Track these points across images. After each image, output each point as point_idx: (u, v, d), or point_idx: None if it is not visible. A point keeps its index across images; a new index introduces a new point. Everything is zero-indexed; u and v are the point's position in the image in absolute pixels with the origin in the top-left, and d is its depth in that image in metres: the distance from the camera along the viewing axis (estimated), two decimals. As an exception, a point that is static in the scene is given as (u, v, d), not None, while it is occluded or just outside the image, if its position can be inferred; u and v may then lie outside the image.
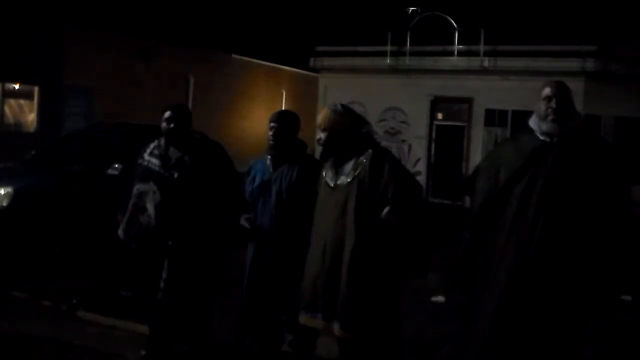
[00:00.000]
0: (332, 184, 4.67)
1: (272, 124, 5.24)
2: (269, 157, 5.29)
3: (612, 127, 19.39)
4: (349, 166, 4.62)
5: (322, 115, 4.76)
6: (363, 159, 4.59)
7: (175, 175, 5.47)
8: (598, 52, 18.25)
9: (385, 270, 4.54)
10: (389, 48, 19.57)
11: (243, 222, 5.23)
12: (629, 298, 8.48)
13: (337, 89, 19.50)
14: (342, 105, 4.81)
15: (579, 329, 4.38)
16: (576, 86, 18.02)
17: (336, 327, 4.56)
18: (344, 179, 4.62)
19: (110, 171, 9.70)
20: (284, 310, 5.15)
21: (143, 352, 5.62)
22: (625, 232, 4.35)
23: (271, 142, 5.23)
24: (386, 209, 4.48)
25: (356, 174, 4.57)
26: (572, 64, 18.10)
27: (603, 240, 4.31)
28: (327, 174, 4.73)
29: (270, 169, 5.26)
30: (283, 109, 5.22)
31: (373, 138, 4.80)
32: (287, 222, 5.12)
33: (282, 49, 24.82)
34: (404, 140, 19.13)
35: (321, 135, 4.71)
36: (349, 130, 4.66)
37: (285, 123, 5.27)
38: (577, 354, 4.40)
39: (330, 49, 20.43)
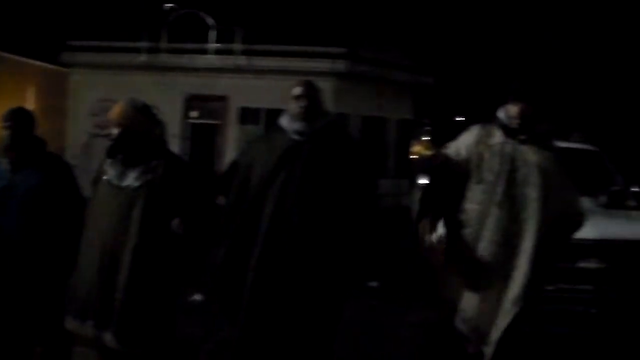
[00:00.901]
0: (116, 184, 4.43)
1: (5, 124, 4.82)
2: (6, 160, 4.89)
3: (360, 125, 20.35)
4: (139, 168, 4.39)
5: (116, 110, 4.47)
6: (156, 164, 4.39)
7: None
8: (347, 54, 19.06)
9: (165, 280, 4.41)
10: (144, 44, 19.22)
11: None
12: (375, 284, 8.95)
13: (90, 85, 18.86)
14: (141, 103, 4.54)
15: (332, 317, 4.54)
16: (326, 86, 18.66)
17: (109, 338, 4.34)
18: (132, 181, 4.38)
19: None
20: (34, 321, 4.81)
21: None
22: (371, 222, 4.56)
23: (7, 143, 4.83)
24: (176, 220, 4.36)
25: (147, 178, 4.37)
26: (323, 64, 18.76)
27: (352, 231, 4.48)
28: (111, 172, 4.45)
29: (10, 173, 4.85)
30: (18, 106, 4.90)
31: (166, 142, 4.63)
32: (33, 227, 4.79)
33: (30, 42, 23.55)
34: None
35: (113, 130, 4.44)
36: (144, 129, 4.44)
37: (20, 122, 4.87)
38: (330, 342, 4.56)
39: (83, 43, 19.68)
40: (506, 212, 4.51)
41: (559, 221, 4.60)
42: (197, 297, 8.17)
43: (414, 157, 22.01)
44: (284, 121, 4.59)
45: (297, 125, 4.52)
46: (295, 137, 4.52)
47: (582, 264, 6.50)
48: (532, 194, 4.50)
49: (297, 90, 4.54)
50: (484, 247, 4.52)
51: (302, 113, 4.50)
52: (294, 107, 4.53)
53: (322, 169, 4.46)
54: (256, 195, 4.50)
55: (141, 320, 4.34)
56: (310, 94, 4.55)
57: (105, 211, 4.42)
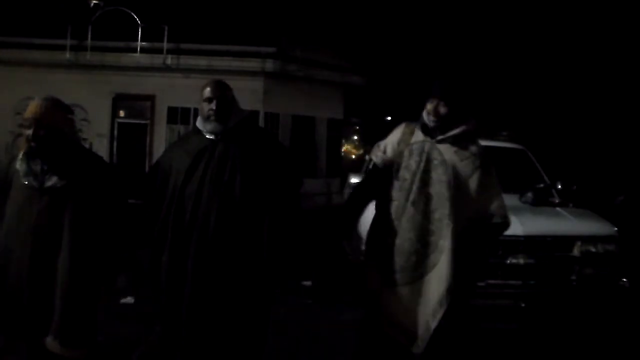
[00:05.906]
0: (37, 186, 4.23)
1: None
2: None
3: (290, 125, 20.37)
4: (59, 167, 4.23)
5: (32, 108, 4.24)
6: (78, 163, 4.28)
7: None
8: (277, 54, 19.03)
9: (98, 276, 4.31)
10: (68, 42, 18.85)
11: None
12: (309, 283, 8.97)
13: (10, 84, 18.44)
14: (56, 99, 4.33)
15: (263, 317, 4.52)
16: (256, 85, 18.74)
17: (51, 343, 4.18)
18: (56, 182, 4.23)
19: None
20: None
21: None
22: (294, 221, 4.54)
23: None
24: (106, 219, 4.28)
25: (71, 176, 4.23)
26: (253, 64, 18.71)
27: (273, 230, 4.45)
28: (27, 174, 4.25)
29: None
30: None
31: (81, 141, 4.51)
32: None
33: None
34: (85, 139, 18.46)
35: (28, 131, 4.20)
36: (63, 127, 4.26)
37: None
38: (262, 340, 4.55)
39: (5, 39, 19.18)
40: (420, 210, 4.55)
41: (478, 222, 4.61)
42: (128, 299, 8.06)
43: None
44: (199, 122, 4.57)
45: (209, 126, 4.48)
46: (210, 136, 4.49)
47: (511, 260, 6.62)
48: (445, 193, 4.54)
49: (207, 92, 4.48)
50: (400, 244, 4.57)
51: (213, 114, 4.46)
52: (205, 109, 4.48)
53: (238, 166, 4.43)
54: (175, 197, 4.44)
55: (81, 320, 4.25)
56: (221, 95, 4.49)
57: (28, 215, 4.25)
